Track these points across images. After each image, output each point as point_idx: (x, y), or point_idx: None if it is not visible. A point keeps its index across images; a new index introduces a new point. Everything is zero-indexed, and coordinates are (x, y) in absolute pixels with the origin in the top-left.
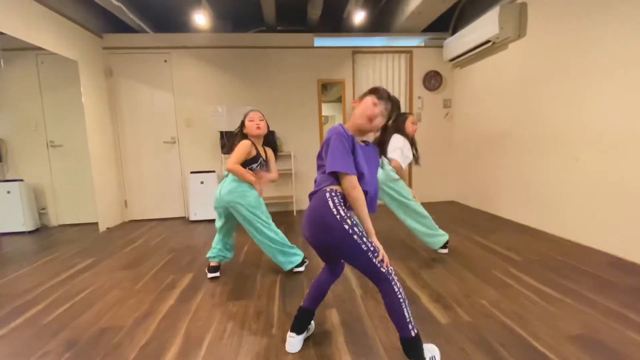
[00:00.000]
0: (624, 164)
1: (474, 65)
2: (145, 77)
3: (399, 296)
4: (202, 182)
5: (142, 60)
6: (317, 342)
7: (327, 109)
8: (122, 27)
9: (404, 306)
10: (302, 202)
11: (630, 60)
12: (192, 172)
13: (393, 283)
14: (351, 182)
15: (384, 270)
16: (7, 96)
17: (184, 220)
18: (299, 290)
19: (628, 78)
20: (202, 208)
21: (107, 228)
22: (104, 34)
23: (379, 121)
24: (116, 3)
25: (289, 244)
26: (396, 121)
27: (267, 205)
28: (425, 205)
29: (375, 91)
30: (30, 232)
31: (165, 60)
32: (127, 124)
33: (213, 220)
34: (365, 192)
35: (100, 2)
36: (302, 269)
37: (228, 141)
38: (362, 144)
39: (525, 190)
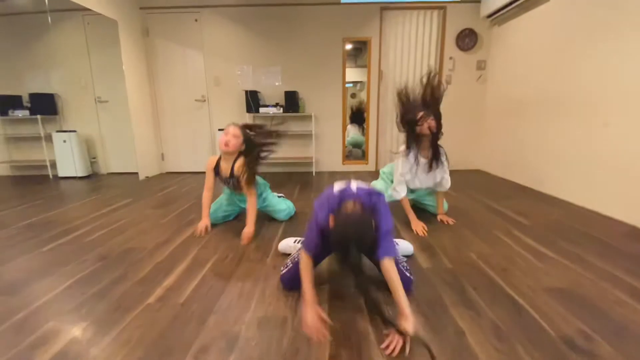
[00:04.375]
0: None
1: (513, 22)
2: (178, 36)
3: None
4: None
5: (175, 20)
6: None
7: (358, 74)
8: None
9: None
10: (321, 164)
11: None
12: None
13: None
14: (302, 256)
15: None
16: (59, 55)
17: None
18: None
19: None
20: None
21: (146, 177)
22: None
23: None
24: None
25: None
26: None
27: (287, 164)
28: (450, 173)
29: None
30: (82, 178)
31: (196, 20)
32: (163, 82)
33: None
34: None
35: None
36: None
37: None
38: None
39: (552, 158)
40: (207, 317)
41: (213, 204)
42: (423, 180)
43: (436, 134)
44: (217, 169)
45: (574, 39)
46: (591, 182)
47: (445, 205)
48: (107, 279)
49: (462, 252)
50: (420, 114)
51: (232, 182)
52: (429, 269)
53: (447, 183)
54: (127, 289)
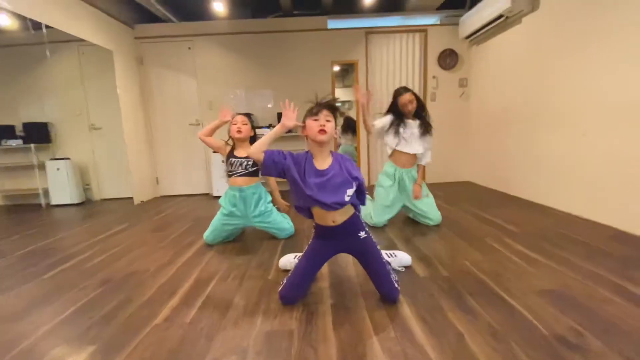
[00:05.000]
0: (633, 137)
1: (490, 42)
2: (172, 64)
3: None
4: (222, 161)
5: (169, 48)
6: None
7: (346, 94)
8: (150, 17)
9: None
10: None
11: None
12: (214, 152)
13: None
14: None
15: None
16: (54, 85)
17: (208, 196)
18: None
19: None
20: (224, 185)
21: (141, 201)
22: (135, 25)
23: (329, 129)
24: None
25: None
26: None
27: (281, 183)
28: (439, 185)
29: (309, 111)
30: (76, 205)
31: (189, 48)
32: (157, 108)
33: None
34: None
35: None
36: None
37: None
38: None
39: (536, 167)
40: (215, 334)
41: (208, 230)
42: (414, 143)
43: (419, 110)
44: (230, 154)
45: (546, 55)
46: (575, 189)
47: (439, 216)
48: (112, 302)
49: (456, 260)
50: (403, 97)
51: (247, 163)
52: (426, 278)
53: (426, 159)
54: (133, 311)
